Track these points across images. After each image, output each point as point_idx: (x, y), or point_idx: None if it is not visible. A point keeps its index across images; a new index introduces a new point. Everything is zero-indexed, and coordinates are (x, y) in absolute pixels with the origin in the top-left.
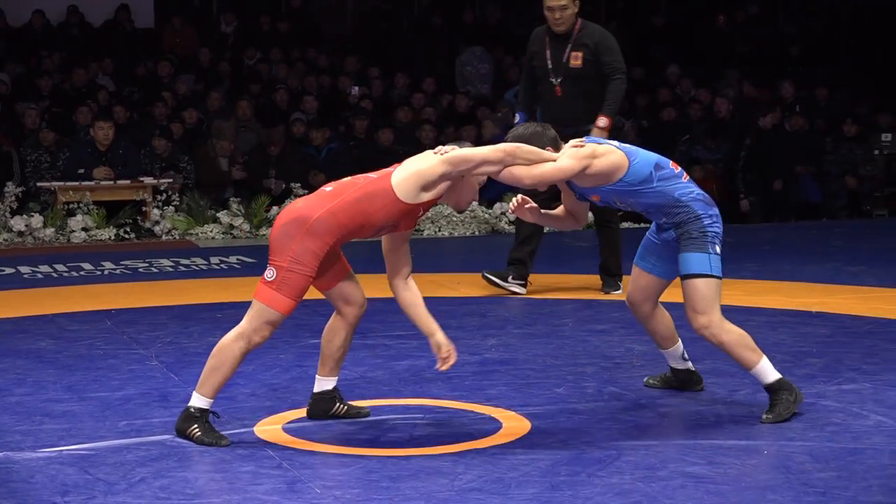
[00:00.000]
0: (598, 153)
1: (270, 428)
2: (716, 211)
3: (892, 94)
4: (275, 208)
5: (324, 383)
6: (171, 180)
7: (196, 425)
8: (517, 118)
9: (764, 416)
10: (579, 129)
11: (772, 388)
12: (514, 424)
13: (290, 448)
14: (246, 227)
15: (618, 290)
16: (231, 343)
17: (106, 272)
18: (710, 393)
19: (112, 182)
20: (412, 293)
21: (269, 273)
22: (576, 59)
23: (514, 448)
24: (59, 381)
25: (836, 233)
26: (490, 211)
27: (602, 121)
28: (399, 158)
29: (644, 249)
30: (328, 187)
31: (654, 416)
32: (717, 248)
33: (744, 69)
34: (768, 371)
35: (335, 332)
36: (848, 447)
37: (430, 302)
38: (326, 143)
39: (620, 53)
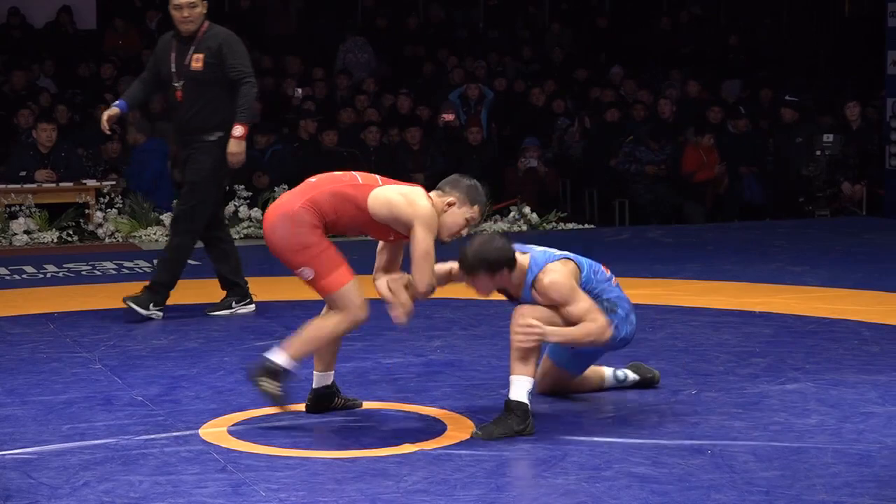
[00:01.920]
0: (569, 272)
1: (215, 430)
2: (633, 319)
3: (834, 96)
4: None
5: (323, 378)
6: (113, 182)
7: (270, 378)
8: (117, 105)
9: (476, 430)
10: (204, 139)
11: (509, 407)
12: (459, 426)
13: (235, 450)
14: None
15: (249, 302)
16: (333, 324)
17: (48, 275)
18: (654, 394)
19: (54, 184)
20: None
21: (307, 273)
22: (197, 62)
23: (460, 449)
24: (1, 385)
25: (779, 233)
26: None
27: (238, 129)
28: (343, 160)
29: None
30: (313, 178)
31: (599, 417)
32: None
33: (687, 70)
34: (521, 388)
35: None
36: (791, 446)
37: (374, 304)
38: (270, 145)
39: (247, 57)
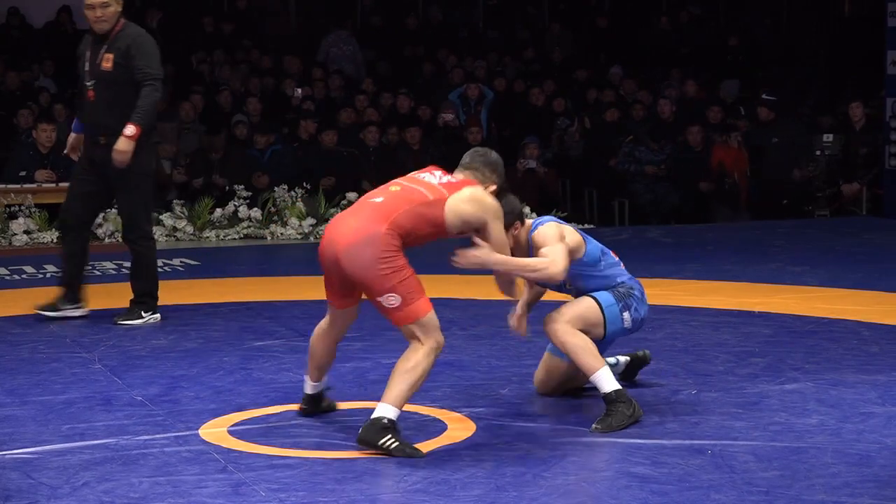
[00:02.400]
0: (567, 231)
1: (215, 430)
2: (645, 307)
3: (834, 95)
4: (218, 210)
5: (317, 387)
6: None
7: (391, 436)
8: (73, 129)
9: (593, 426)
10: (111, 139)
11: (608, 399)
12: (458, 426)
13: (235, 450)
14: (189, 229)
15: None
16: (424, 358)
17: (48, 275)
18: (654, 393)
19: (54, 185)
20: None
21: (392, 300)
22: (107, 62)
23: (459, 450)
24: (1, 386)
25: (778, 233)
26: None
27: (129, 129)
28: (343, 160)
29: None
30: (377, 198)
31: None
32: (626, 315)
33: (686, 70)
34: (607, 380)
35: (331, 341)
36: (791, 446)
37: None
38: (269, 145)
39: (157, 59)
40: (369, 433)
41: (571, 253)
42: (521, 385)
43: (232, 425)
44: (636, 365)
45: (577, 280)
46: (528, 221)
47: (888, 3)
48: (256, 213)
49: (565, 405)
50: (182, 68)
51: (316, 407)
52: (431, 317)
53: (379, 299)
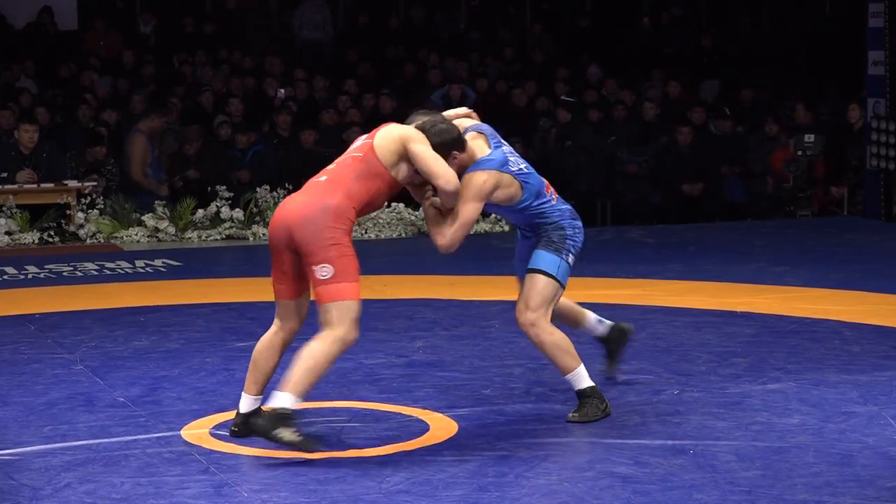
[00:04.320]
0: (503, 184)
1: (197, 431)
2: (579, 224)
3: (817, 95)
4: (200, 211)
5: (254, 402)
6: (94, 184)
7: (286, 427)
8: None
9: (571, 415)
10: None
11: (583, 394)
12: (441, 426)
13: (217, 451)
14: (171, 230)
15: None
16: (328, 346)
17: (30, 276)
18: (637, 393)
19: (35, 185)
20: None
21: (324, 271)
22: None
23: (442, 450)
24: None
25: (760, 233)
26: (416, 213)
27: None
28: (325, 161)
29: (519, 262)
30: (322, 177)
31: None
32: (570, 259)
33: (668, 70)
34: (583, 378)
35: (274, 350)
36: (773, 446)
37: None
38: (251, 146)
39: None
40: (264, 423)
41: (500, 202)
42: (503, 385)
43: (214, 426)
44: (621, 335)
45: (510, 214)
46: (476, 153)
47: (869, 3)
48: (238, 213)
49: (548, 406)
50: (161, 68)
51: (249, 428)
52: (353, 306)
53: (314, 267)
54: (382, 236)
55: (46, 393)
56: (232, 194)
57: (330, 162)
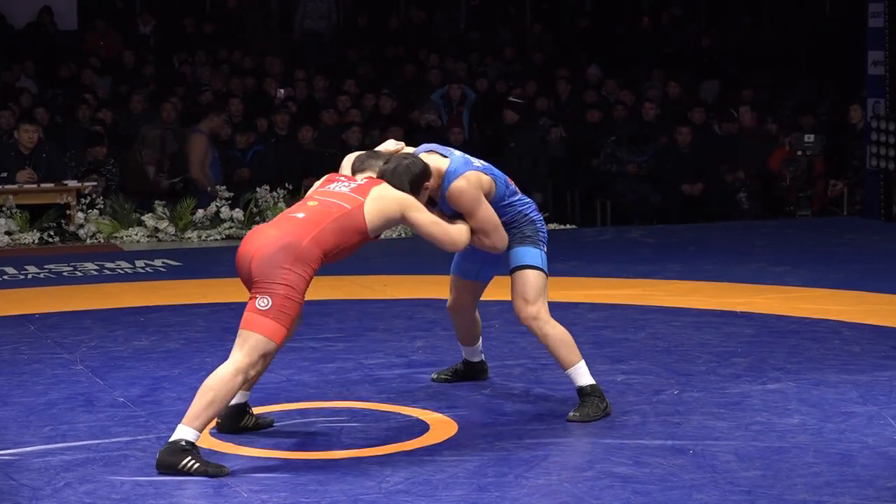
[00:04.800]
0: (482, 180)
1: None
2: (541, 217)
3: (817, 95)
4: (200, 211)
5: (239, 397)
6: (94, 184)
7: (191, 458)
8: None
9: (571, 414)
10: None
11: (583, 392)
12: (441, 426)
13: (217, 451)
14: (171, 230)
15: None
16: (230, 378)
17: (29, 276)
18: (637, 393)
19: (35, 185)
20: None
21: (263, 302)
22: None
23: (442, 450)
24: None
25: (760, 233)
26: None
27: None
28: (325, 161)
29: (461, 258)
30: (299, 213)
31: None
32: (545, 249)
33: (668, 70)
34: (584, 374)
35: None
36: (773, 446)
37: (357, 304)
38: (251, 146)
39: None
40: (167, 457)
41: (486, 196)
42: (503, 385)
43: (214, 427)
44: (479, 371)
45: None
46: (441, 166)
47: (869, 3)
48: (238, 213)
49: (548, 406)
50: (161, 68)
51: (237, 422)
52: (270, 345)
53: (256, 296)
54: (382, 236)
55: (46, 393)
56: (232, 194)
57: (330, 162)
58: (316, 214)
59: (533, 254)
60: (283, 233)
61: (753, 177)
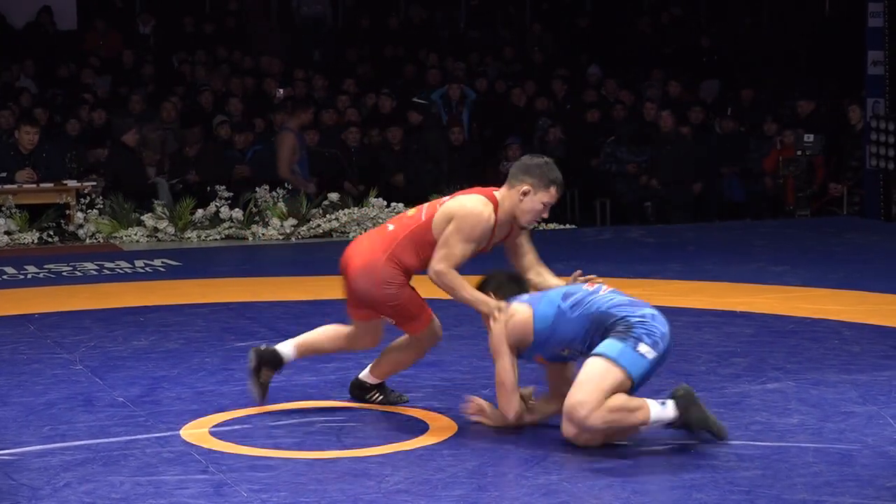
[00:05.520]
0: (511, 312)
1: (197, 431)
2: (648, 311)
3: (817, 95)
4: (200, 211)
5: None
6: (94, 183)
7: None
8: None
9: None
10: None
11: (682, 419)
12: (440, 426)
13: (216, 451)
14: (170, 230)
15: None
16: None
17: (29, 276)
18: (637, 394)
19: (35, 185)
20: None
21: (389, 320)
22: None
23: (441, 449)
24: None
25: (759, 233)
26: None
27: None
28: (324, 160)
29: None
30: (391, 225)
31: None
32: (641, 346)
33: (668, 70)
34: (663, 413)
35: (339, 338)
36: (772, 446)
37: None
38: (251, 145)
39: None
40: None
41: (517, 333)
42: None
43: (213, 426)
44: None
45: (554, 346)
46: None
47: (868, 3)
48: (238, 213)
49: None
50: (160, 68)
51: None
52: (425, 332)
53: (383, 316)
54: None
55: (46, 393)
56: (231, 194)
57: (330, 162)
58: (398, 227)
59: (610, 346)
60: (370, 248)
61: (740, 176)
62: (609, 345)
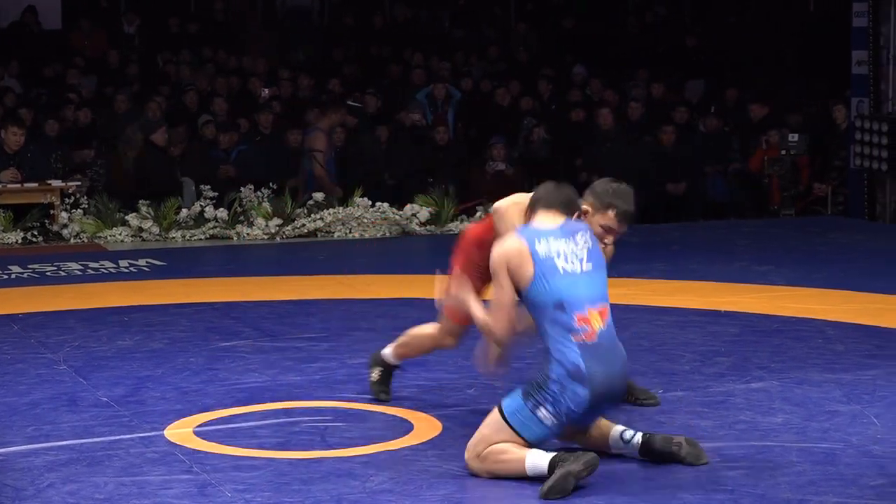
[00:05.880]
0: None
1: (181, 431)
2: (580, 391)
3: (800, 94)
4: (184, 211)
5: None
6: (78, 183)
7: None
8: None
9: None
10: None
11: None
12: (425, 426)
13: (200, 451)
14: (155, 229)
15: None
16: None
17: (13, 276)
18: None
19: (19, 185)
20: None
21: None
22: None
23: (426, 449)
24: None
25: (743, 233)
26: (401, 213)
27: None
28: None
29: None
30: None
31: None
32: (541, 411)
33: (654, 70)
34: (540, 460)
35: (430, 340)
36: (756, 445)
37: (342, 304)
38: (235, 145)
39: None
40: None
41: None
42: (487, 384)
43: (198, 426)
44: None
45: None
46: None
47: (853, 2)
48: (223, 213)
49: None
50: (145, 68)
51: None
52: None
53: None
54: (367, 236)
55: (30, 393)
56: (216, 194)
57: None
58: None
59: (510, 402)
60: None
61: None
62: (511, 400)
